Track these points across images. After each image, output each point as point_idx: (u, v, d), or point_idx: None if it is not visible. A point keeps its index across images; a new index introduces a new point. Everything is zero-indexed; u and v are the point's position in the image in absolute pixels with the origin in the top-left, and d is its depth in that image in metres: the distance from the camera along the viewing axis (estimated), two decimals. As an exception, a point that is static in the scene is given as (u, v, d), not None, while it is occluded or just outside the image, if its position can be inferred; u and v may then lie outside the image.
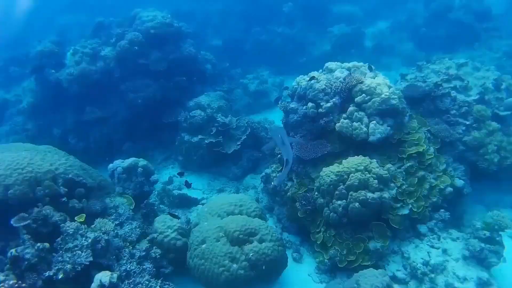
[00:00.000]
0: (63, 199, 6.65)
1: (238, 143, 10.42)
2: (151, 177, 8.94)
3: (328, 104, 8.39)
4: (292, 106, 8.95)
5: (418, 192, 7.79)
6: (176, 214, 7.80)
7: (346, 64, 9.13)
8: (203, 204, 9.77)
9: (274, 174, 9.21)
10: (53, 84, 11.40)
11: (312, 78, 8.72)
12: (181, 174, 9.35)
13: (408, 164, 7.94)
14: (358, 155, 7.69)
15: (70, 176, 7.22)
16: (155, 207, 8.95)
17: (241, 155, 10.64)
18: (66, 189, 6.87)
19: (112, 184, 8.56)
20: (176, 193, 9.79)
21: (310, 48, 17.22)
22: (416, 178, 7.87)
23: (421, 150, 8.11)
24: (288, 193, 8.58)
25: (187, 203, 9.82)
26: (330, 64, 9.17)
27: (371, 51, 17.04)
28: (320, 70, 9.57)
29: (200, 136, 10.57)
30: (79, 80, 11.06)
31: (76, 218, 6.75)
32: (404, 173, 7.91)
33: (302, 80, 9.09)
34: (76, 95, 11.14)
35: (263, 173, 9.52)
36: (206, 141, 10.39)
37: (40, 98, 12.10)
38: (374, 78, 8.79)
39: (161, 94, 11.42)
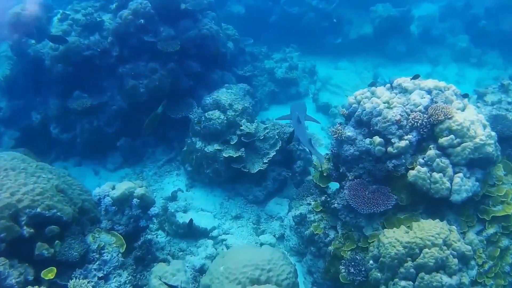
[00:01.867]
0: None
1: (265, 160, 8.17)
2: (150, 209, 6.76)
3: (402, 143, 6.10)
4: (349, 134, 6.62)
5: (498, 266, 5.90)
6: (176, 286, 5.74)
7: (426, 84, 6.70)
8: (214, 237, 7.70)
9: (312, 217, 7.08)
10: (33, 58, 8.86)
11: (377, 95, 6.31)
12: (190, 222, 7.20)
13: (491, 231, 6.04)
14: (430, 212, 6.02)
15: (38, 210, 5.30)
16: (153, 245, 6.88)
17: (266, 173, 8.39)
18: (31, 230, 5.09)
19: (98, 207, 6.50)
20: (180, 220, 7.65)
21: (346, 28, 14.47)
22: (499, 249, 6.00)
23: (509, 212, 6.08)
24: (330, 247, 6.63)
25: (194, 233, 7.71)
26: (405, 82, 6.73)
27: (417, 38, 14.35)
28: (386, 84, 7.17)
29: (216, 146, 8.27)
30: (66, 57, 8.50)
31: (43, 274, 5.09)
32: (485, 242, 6.01)
33: (363, 97, 6.71)
34: (60, 76, 8.55)
35: (298, 213, 7.39)
36: (224, 154, 8.08)
37: (19, 72, 9.54)
38: (463, 111, 6.41)
39: (169, 82, 8.98)
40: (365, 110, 6.49)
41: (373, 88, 6.96)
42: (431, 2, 17.07)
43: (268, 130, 8.33)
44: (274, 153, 8.24)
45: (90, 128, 9.04)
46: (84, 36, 8.88)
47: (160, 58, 8.99)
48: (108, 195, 6.50)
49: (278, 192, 8.69)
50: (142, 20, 8.57)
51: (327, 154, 8.16)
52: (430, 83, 6.74)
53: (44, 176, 6.11)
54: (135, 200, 6.53)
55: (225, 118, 8.28)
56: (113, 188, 6.57)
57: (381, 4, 14.23)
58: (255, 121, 8.55)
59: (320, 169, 7.51)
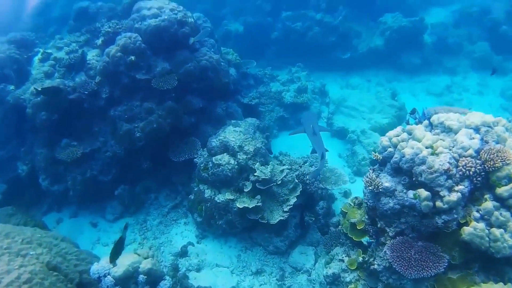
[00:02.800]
0: None
1: (285, 209, 7.20)
2: (159, 285, 5.78)
3: (453, 197, 5.19)
4: (386, 185, 5.67)
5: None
6: None
7: (472, 121, 5.76)
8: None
9: (348, 277, 6.11)
10: (13, 106, 7.90)
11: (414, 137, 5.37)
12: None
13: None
14: (486, 270, 5.29)
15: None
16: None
17: (287, 220, 7.40)
18: None
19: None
20: (195, 284, 6.68)
21: (355, 42, 13.54)
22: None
23: None
24: (373, 314, 5.61)
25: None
26: (448, 120, 5.79)
27: (432, 48, 13.40)
28: (418, 116, 6.27)
29: (228, 195, 7.30)
30: (49, 103, 7.53)
31: None
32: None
33: (400, 140, 5.76)
34: (45, 125, 7.58)
35: (330, 272, 6.43)
36: (237, 205, 7.09)
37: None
38: (522, 149, 5.44)
39: (169, 123, 8.00)
40: (404, 156, 5.54)
41: (409, 127, 6.02)
42: (441, 7, 16.20)
43: (285, 174, 7.33)
44: (295, 199, 7.24)
45: (82, 180, 8.07)
46: (69, 77, 7.91)
47: (156, 96, 8.04)
48: (109, 273, 5.52)
49: (301, 238, 7.71)
50: (132, 57, 7.63)
51: (355, 198, 7.22)
52: (476, 118, 5.77)
53: (32, 253, 5.33)
54: (141, 277, 5.59)
55: (235, 163, 7.30)
56: (115, 266, 5.57)
57: (390, 14, 13.35)
58: (270, 162, 7.56)
59: (352, 220, 6.54)
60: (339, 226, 7.18)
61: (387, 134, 6.07)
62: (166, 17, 7.95)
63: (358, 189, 9.41)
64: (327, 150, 6.77)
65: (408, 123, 7.22)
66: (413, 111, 6.46)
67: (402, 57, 13.09)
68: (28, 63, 8.26)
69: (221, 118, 8.89)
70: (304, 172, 7.65)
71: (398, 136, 5.88)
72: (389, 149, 5.85)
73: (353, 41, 13.43)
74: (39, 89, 7.38)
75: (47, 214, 9.08)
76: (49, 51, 8.13)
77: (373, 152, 6.18)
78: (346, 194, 8.90)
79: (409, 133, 5.92)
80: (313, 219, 7.72)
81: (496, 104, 11.96)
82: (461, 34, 13.52)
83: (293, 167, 7.75)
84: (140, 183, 8.72)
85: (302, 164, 7.92)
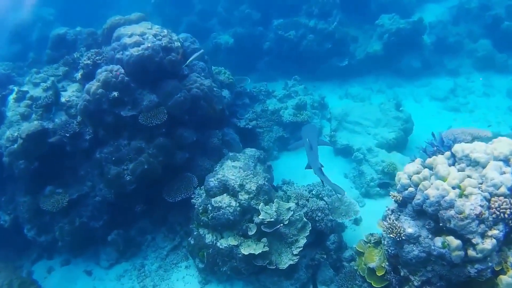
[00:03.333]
0: None
1: (294, 251, 6.60)
2: None
3: (487, 244, 4.67)
4: (410, 231, 5.11)
5: None
6: None
7: (501, 150, 5.21)
8: None
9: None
10: (-12, 155, 7.12)
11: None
12: None
13: None
14: None
15: None
16: None
17: (297, 263, 6.77)
18: None
19: None
20: None
21: (352, 48, 12.90)
22: None
23: None
24: None
25: None
26: (474, 152, 5.21)
27: (432, 50, 12.80)
28: (442, 148, 5.71)
29: (231, 240, 6.68)
30: (27, 150, 6.82)
31: None
32: None
33: (421, 178, 5.18)
34: (25, 174, 6.89)
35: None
36: (242, 251, 6.46)
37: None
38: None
39: (161, 161, 7.33)
40: (428, 199, 4.94)
41: (429, 160, 5.41)
42: (437, 3, 15.58)
43: (293, 212, 6.71)
44: (304, 240, 6.63)
45: (71, 229, 7.43)
46: (48, 118, 7.21)
47: (145, 133, 7.37)
48: None
49: (312, 280, 7.09)
50: (115, 93, 6.94)
51: (371, 235, 6.63)
52: (504, 147, 5.18)
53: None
54: None
55: (237, 205, 6.67)
56: None
57: (387, 15, 12.72)
58: (275, 200, 6.92)
59: (370, 265, 5.94)
60: (355, 267, 6.60)
61: (406, 169, 5.47)
62: (149, 45, 7.27)
63: (368, 213, 8.83)
64: (322, 166, 6.59)
65: (425, 151, 6.64)
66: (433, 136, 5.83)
67: (402, 61, 12.48)
68: (3, 103, 7.56)
69: (218, 148, 8.26)
70: (312, 208, 7.02)
71: (418, 173, 5.27)
72: (410, 189, 5.25)
73: (350, 46, 12.79)
74: (24, 136, 6.68)
75: (37, 262, 8.46)
76: (24, 88, 7.44)
77: (391, 193, 5.56)
78: (356, 221, 8.31)
79: (430, 168, 5.33)
80: (325, 256, 7.10)
81: (504, 106, 11.39)
82: (461, 32, 12.93)
83: (300, 202, 7.12)
84: (135, 226, 8.07)
85: (309, 198, 7.29)
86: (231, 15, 14.11)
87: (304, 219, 6.80)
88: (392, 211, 5.51)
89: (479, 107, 11.49)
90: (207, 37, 14.01)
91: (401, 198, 5.39)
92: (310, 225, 6.78)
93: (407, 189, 5.29)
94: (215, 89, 8.34)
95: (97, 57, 7.70)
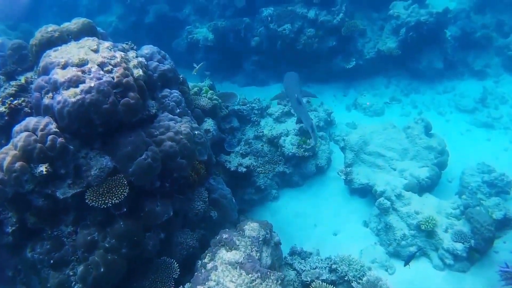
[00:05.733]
0: None
1: None
2: None
3: None
4: None
5: None
6: None
7: None
8: None
9: None
10: None
11: None
12: None
13: None
14: None
15: None
16: None
17: None
18: None
19: None
20: None
21: (359, 44, 10.40)
22: None
23: None
24: None
25: None
26: None
27: (456, 47, 10.49)
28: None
29: None
30: None
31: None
32: None
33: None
34: None
35: None
36: None
37: None
38: None
39: (125, 255, 5.02)
40: None
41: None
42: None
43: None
44: None
45: None
46: None
47: (98, 215, 4.87)
48: None
49: None
50: (43, 168, 4.38)
51: None
52: None
53: None
54: None
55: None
56: None
57: (401, 2, 10.20)
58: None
59: None
60: None
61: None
62: (93, 84, 4.62)
63: (402, 284, 6.83)
64: (312, 122, 6.69)
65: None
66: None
67: (421, 61, 10.15)
68: None
69: (203, 216, 5.89)
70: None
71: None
72: None
73: (357, 42, 10.30)
74: None
75: None
76: None
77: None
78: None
79: None
80: None
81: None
82: (488, 24, 10.60)
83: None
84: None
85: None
86: (210, 1, 11.22)
87: None
88: None
89: (515, 121, 9.50)
90: (181, 30, 11.19)
91: None
92: None
93: None
94: (196, 132, 5.83)
95: (16, 102, 5.01)
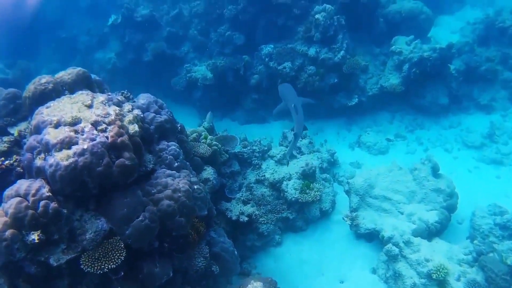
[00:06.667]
0: None
1: None
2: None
3: None
4: None
5: None
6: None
7: None
8: None
9: None
10: None
11: None
12: None
13: None
14: None
15: None
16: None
17: None
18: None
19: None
20: None
21: (361, 81, 10.37)
22: None
23: None
24: None
25: None
26: None
27: (461, 81, 10.41)
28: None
29: None
30: None
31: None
32: None
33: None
34: None
35: None
36: None
37: None
38: None
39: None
40: None
41: None
42: (450, 15, 13.27)
43: None
44: None
45: None
46: None
47: (93, 280, 4.68)
48: None
49: None
50: (35, 236, 4.24)
51: None
52: None
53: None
54: None
55: None
56: None
57: (402, 38, 10.22)
58: None
59: None
60: None
61: None
62: (86, 146, 4.50)
63: None
64: (306, 129, 7.71)
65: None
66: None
67: (425, 96, 10.05)
68: None
69: (204, 272, 5.67)
70: None
71: None
72: None
73: (359, 78, 10.24)
74: None
75: None
76: None
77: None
78: None
79: None
80: None
81: None
82: (493, 57, 10.53)
83: None
84: None
85: None
86: (208, 38, 11.28)
87: None
88: None
89: (525, 158, 9.32)
90: (179, 67, 11.22)
91: None
92: None
93: None
94: (196, 187, 5.67)
95: (8, 161, 4.90)
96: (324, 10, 9.83)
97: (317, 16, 9.76)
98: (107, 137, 4.78)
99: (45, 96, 5.58)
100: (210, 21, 11.50)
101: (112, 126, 4.90)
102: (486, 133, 9.63)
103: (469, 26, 12.03)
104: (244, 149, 8.35)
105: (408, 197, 7.66)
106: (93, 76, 6.45)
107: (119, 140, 4.84)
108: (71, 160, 4.48)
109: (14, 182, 4.89)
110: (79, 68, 6.08)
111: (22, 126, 5.95)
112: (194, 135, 7.39)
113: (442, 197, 7.54)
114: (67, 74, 5.99)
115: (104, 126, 4.87)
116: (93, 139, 4.66)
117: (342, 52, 9.71)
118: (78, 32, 13.51)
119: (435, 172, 7.92)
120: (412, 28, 11.02)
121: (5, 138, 5.48)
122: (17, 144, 5.53)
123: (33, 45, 13.44)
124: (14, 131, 5.88)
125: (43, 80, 5.82)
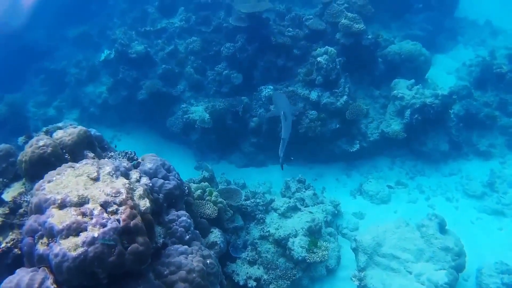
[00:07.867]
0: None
1: None
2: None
3: None
4: None
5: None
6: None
7: None
8: None
9: None
10: None
11: None
12: None
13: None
14: None
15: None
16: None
17: None
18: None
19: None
20: None
21: (362, 126, 10.31)
22: None
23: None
24: None
25: None
26: None
27: (461, 127, 10.50)
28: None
29: None
30: None
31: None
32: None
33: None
34: None
35: None
36: None
37: None
38: None
39: None
40: None
41: None
42: (444, 53, 13.48)
43: None
44: None
45: None
46: None
47: None
48: None
49: None
50: None
51: None
52: None
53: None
54: None
55: None
56: None
57: (403, 81, 10.26)
58: None
59: None
60: None
61: None
62: (97, 234, 4.14)
63: None
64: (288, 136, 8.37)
65: None
66: None
67: (427, 143, 10.04)
68: None
69: None
70: None
71: None
72: None
73: (360, 124, 10.17)
74: None
75: None
76: None
77: None
78: None
79: None
80: None
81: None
82: (491, 102, 10.69)
83: None
84: None
85: None
86: (204, 76, 11.03)
87: None
88: None
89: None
90: (174, 105, 10.90)
91: None
92: None
93: None
94: (208, 261, 5.34)
95: (4, 244, 4.49)
96: (326, 52, 9.76)
97: (319, 59, 9.67)
98: (118, 221, 4.42)
99: (44, 161, 5.22)
100: (206, 59, 11.31)
101: (124, 207, 4.55)
102: (486, 182, 9.67)
103: (464, 67, 12.24)
104: (247, 202, 8.07)
105: (416, 256, 7.52)
106: (92, 132, 6.15)
107: (131, 223, 4.48)
108: (80, 250, 4.10)
109: (11, 265, 4.53)
110: (80, 128, 5.76)
111: (16, 191, 5.57)
112: (199, 192, 7.07)
113: (451, 256, 7.43)
114: (67, 135, 5.65)
115: (115, 207, 4.51)
116: (103, 225, 4.30)
117: (344, 97, 9.61)
118: (66, 64, 13.06)
119: (442, 228, 7.83)
120: (411, 70, 11.11)
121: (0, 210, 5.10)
122: (13, 212, 5.17)
123: (20, 76, 12.89)
124: (7, 192, 5.54)
125: (41, 142, 5.43)
